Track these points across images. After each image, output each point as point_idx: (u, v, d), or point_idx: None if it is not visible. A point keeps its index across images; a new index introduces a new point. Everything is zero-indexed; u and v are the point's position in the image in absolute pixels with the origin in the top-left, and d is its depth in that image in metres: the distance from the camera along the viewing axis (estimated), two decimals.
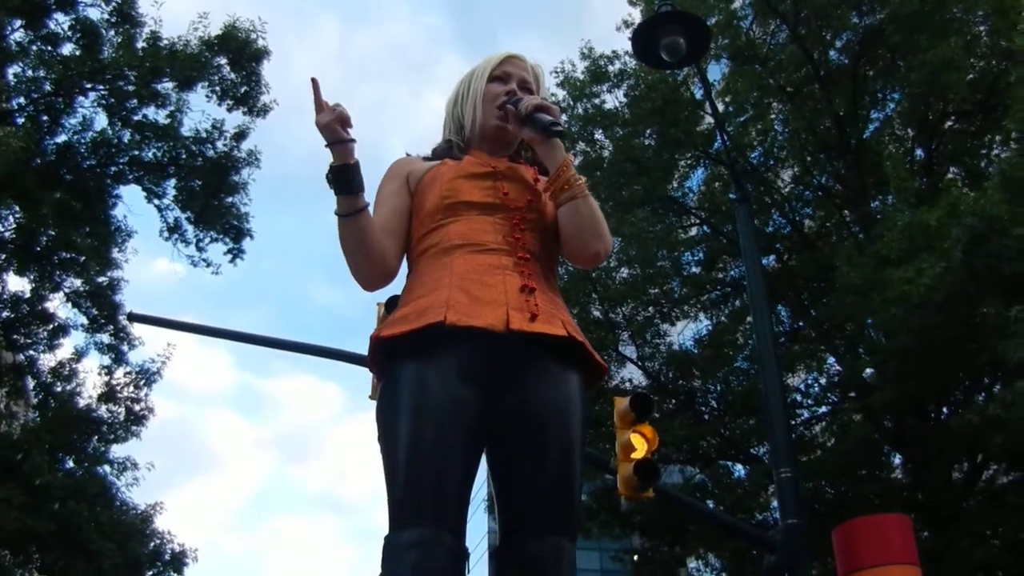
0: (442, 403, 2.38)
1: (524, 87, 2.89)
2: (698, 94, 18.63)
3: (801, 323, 19.46)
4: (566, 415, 2.53)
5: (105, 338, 20.14)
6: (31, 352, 19.88)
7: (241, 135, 20.09)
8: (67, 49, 19.06)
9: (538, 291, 2.60)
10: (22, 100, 18.95)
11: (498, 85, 2.89)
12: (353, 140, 2.59)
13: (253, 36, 19.25)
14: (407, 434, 2.36)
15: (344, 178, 2.58)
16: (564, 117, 19.95)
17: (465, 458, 2.39)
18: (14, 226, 18.80)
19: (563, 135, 2.68)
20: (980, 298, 12.74)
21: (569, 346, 2.59)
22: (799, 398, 19.13)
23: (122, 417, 19.88)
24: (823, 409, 19.42)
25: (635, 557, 21.61)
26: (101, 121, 19.62)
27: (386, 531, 2.34)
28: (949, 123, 17.92)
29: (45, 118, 19.11)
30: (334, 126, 2.55)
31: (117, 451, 20.27)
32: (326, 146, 2.59)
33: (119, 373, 20.17)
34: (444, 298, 2.50)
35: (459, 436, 2.37)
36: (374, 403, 2.58)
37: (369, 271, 2.69)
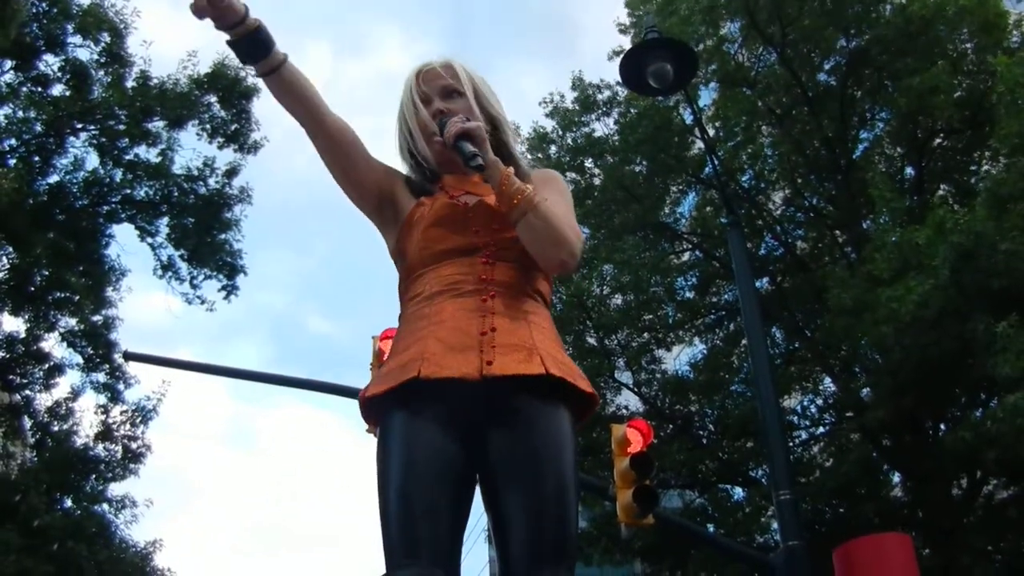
0: (427, 456, 2.40)
1: (446, 95, 2.80)
2: (688, 120, 18.69)
3: (796, 344, 19.47)
4: (555, 450, 2.49)
5: (101, 377, 20.15)
6: (27, 392, 19.87)
7: (232, 172, 20.15)
8: (57, 90, 19.18)
9: (500, 330, 2.54)
10: (14, 141, 18.99)
11: (425, 109, 2.79)
12: (239, 14, 2.46)
13: (242, 74, 19.30)
14: (396, 488, 2.38)
15: (241, 51, 2.56)
16: (553, 148, 20.03)
17: (455, 507, 2.42)
18: (8, 267, 18.81)
19: (482, 169, 2.60)
20: (970, 314, 12.76)
21: (551, 381, 2.53)
22: (796, 419, 19.08)
23: (119, 455, 19.84)
24: (821, 430, 19.40)
25: None
26: (93, 161, 19.71)
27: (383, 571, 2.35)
28: (938, 140, 17.97)
29: (37, 159, 19.15)
30: (201, 4, 2.39)
31: (115, 489, 20.24)
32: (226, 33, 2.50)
33: (115, 411, 20.17)
34: (421, 350, 2.50)
35: (446, 487, 2.39)
36: (372, 435, 2.61)
37: (307, 118, 2.70)
